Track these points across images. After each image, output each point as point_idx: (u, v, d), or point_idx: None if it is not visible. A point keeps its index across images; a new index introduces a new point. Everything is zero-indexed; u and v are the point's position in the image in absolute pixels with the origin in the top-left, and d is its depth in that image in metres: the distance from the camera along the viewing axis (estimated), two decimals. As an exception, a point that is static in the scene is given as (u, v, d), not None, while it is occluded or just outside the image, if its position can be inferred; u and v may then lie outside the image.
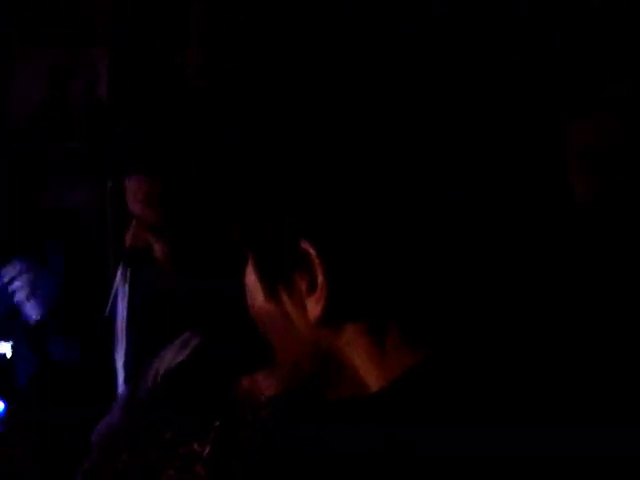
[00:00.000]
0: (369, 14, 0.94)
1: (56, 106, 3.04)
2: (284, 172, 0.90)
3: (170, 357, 1.61)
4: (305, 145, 0.89)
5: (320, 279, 0.89)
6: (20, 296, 2.49)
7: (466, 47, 0.93)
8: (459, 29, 0.93)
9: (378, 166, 0.87)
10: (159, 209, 1.59)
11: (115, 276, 1.96)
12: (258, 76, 0.94)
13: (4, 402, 2.32)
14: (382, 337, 0.90)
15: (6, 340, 2.48)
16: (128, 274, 1.89)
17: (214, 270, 1.55)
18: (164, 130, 1.61)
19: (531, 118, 0.95)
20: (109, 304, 2.00)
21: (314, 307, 0.90)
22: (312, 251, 0.88)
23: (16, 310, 2.50)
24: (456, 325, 0.90)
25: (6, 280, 2.51)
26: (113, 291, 2.11)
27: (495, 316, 0.92)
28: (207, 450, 1.29)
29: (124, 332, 1.91)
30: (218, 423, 1.30)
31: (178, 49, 2.87)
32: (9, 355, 2.46)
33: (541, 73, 0.98)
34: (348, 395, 0.93)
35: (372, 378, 0.91)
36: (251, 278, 0.96)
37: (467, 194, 0.88)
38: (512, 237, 0.91)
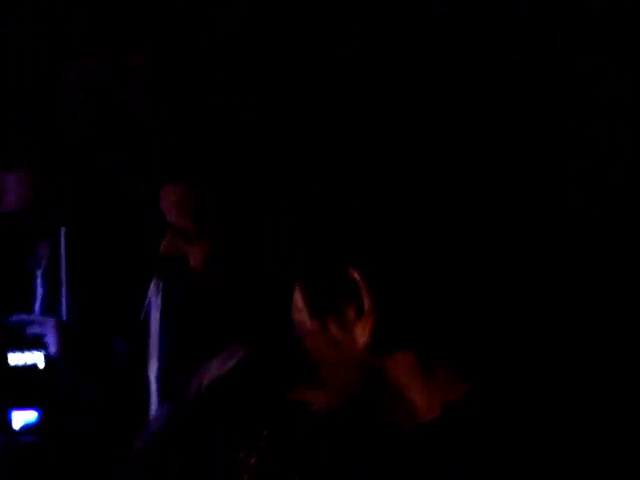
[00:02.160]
0: (369, 14, 0.95)
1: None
2: (330, 201, 0.92)
3: (216, 368, 1.61)
4: (349, 174, 0.91)
5: (367, 305, 0.91)
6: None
7: (466, 47, 0.93)
8: (459, 29, 0.94)
9: (419, 192, 0.90)
10: (194, 217, 1.61)
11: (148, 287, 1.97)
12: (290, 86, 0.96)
13: (38, 411, 2.32)
14: (429, 361, 0.92)
15: (38, 350, 2.48)
16: (161, 286, 1.90)
17: (248, 279, 1.57)
18: (201, 139, 1.62)
19: (531, 118, 0.95)
20: (142, 314, 2.01)
21: (362, 333, 0.92)
22: (359, 278, 0.90)
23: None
24: (491, 347, 0.92)
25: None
26: (146, 302, 2.12)
27: (509, 324, 0.94)
28: (253, 460, 1.30)
29: (157, 343, 1.91)
30: (265, 433, 1.31)
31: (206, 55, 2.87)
32: (41, 365, 2.46)
33: (541, 73, 0.98)
34: (398, 416, 0.95)
35: (422, 401, 0.93)
36: (298, 302, 0.97)
37: (498, 220, 0.90)
38: (521, 248, 0.93)
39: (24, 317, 2.53)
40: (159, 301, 1.91)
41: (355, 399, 0.96)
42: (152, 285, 1.98)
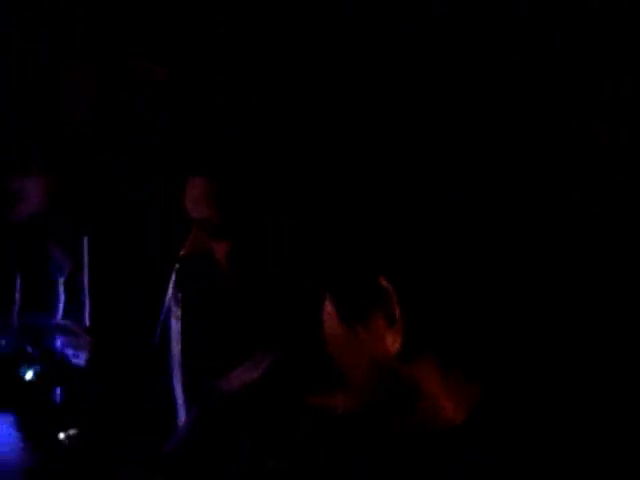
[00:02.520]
0: (369, 14, 0.95)
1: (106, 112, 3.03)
2: (363, 212, 0.94)
3: (243, 375, 1.62)
4: (378, 184, 0.93)
5: (399, 314, 0.92)
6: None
7: (466, 47, 0.93)
8: (459, 29, 0.94)
9: (446, 203, 0.91)
10: (219, 208, 1.63)
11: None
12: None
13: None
14: (450, 366, 0.95)
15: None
16: (180, 296, 1.90)
17: (270, 280, 1.58)
18: (226, 134, 1.64)
19: (531, 118, 0.95)
20: (160, 322, 2.02)
21: (394, 340, 0.94)
22: (390, 287, 0.92)
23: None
24: (497, 348, 0.95)
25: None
26: (163, 312, 2.13)
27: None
28: (283, 466, 1.31)
29: (179, 353, 1.92)
30: (294, 440, 1.32)
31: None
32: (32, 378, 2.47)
33: (541, 73, 0.98)
34: (427, 419, 0.97)
35: (450, 405, 0.96)
36: (328, 310, 0.99)
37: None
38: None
39: (53, 322, 2.54)
40: (179, 312, 1.91)
41: (379, 403, 0.98)
42: (169, 295, 1.99)
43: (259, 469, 1.33)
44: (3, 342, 2.52)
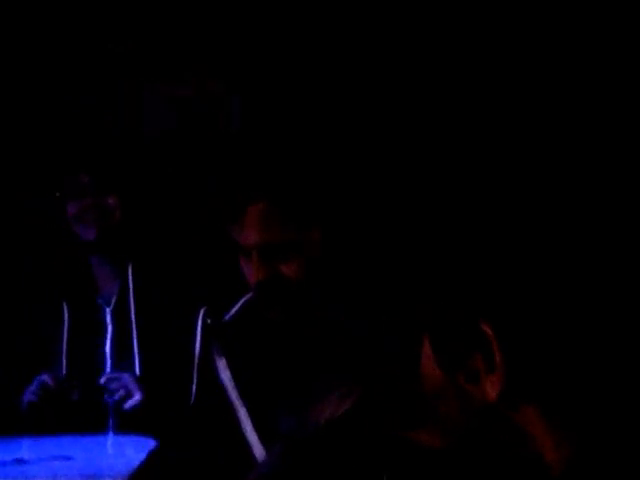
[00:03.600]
0: (370, 14, 0.95)
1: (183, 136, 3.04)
2: (459, 256, 0.95)
3: (331, 408, 1.60)
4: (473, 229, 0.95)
5: (498, 360, 0.93)
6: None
7: (466, 47, 0.93)
8: (459, 29, 0.94)
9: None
10: (284, 227, 1.64)
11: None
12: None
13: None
14: (554, 416, 0.95)
15: None
16: (219, 346, 1.89)
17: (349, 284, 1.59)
18: (280, 159, 1.66)
19: (531, 118, 0.95)
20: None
21: (492, 387, 0.95)
22: (490, 332, 0.93)
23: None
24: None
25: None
26: (195, 366, 2.12)
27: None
28: None
29: (239, 400, 1.90)
30: (385, 475, 1.32)
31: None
32: None
33: (541, 73, 0.98)
34: (524, 461, 0.97)
35: (550, 451, 0.95)
36: (426, 352, 0.99)
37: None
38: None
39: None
40: (224, 361, 1.90)
41: (466, 441, 0.98)
42: (199, 347, 1.99)
43: None
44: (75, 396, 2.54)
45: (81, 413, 2.54)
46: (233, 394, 1.89)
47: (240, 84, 2.95)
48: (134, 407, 2.50)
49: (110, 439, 2.57)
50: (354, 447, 1.42)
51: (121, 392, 2.50)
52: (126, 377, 2.53)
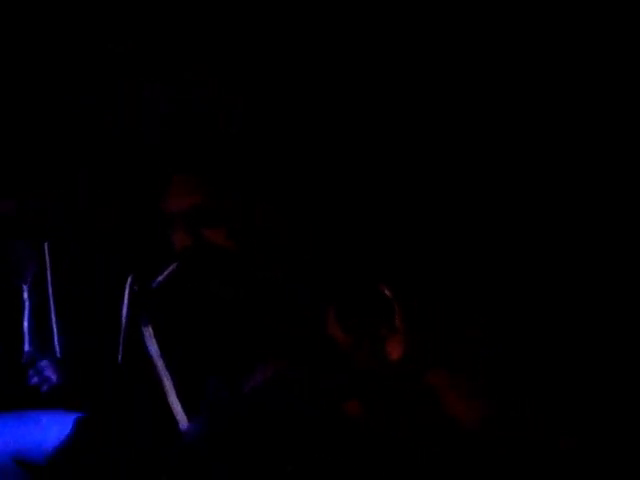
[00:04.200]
0: (369, 14, 0.95)
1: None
2: (361, 220, 0.95)
3: (254, 385, 1.61)
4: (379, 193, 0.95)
5: (400, 322, 0.94)
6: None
7: (466, 47, 0.93)
8: (459, 29, 0.94)
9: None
10: (205, 195, 1.66)
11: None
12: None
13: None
14: (460, 376, 0.98)
15: None
16: (147, 313, 1.90)
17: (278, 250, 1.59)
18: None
19: (531, 118, 0.95)
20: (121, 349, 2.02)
21: (395, 349, 0.98)
22: (391, 296, 0.95)
23: None
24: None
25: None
26: (121, 337, 2.14)
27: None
28: (300, 470, 1.31)
29: (165, 369, 1.92)
30: (309, 444, 1.32)
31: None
32: None
33: (541, 73, 0.99)
34: (442, 422, 0.97)
35: (461, 414, 0.97)
36: (331, 318, 1.00)
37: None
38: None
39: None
40: (150, 330, 1.91)
41: (388, 409, 0.99)
42: (125, 315, 2.00)
43: (277, 473, 1.34)
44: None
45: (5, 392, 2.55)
46: (159, 362, 1.90)
47: (240, 84, 2.95)
48: (52, 389, 2.49)
49: (34, 416, 2.56)
50: (281, 418, 1.43)
51: (35, 379, 2.51)
52: (43, 362, 2.53)
